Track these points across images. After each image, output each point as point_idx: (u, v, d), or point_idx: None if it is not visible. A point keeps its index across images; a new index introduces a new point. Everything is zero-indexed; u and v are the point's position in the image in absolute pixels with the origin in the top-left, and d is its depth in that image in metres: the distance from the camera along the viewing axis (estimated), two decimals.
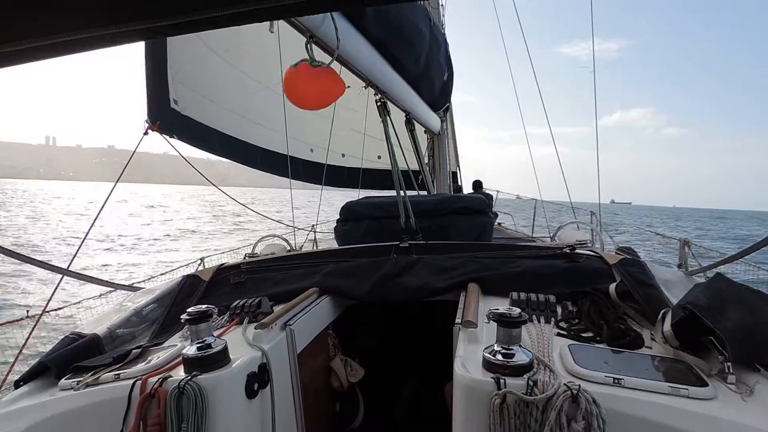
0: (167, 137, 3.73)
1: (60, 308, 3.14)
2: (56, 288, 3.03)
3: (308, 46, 2.10)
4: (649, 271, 2.19)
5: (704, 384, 1.32)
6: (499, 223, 8.69)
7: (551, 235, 4.96)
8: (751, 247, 2.28)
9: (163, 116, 3.72)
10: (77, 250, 3.28)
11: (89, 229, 3.46)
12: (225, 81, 4.88)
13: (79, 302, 3.19)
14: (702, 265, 3.11)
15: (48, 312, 2.93)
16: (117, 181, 3.50)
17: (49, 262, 3.06)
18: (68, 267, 3.00)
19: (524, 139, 7.42)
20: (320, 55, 2.21)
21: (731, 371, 1.37)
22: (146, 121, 3.57)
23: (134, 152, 3.45)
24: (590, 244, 3.16)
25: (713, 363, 1.41)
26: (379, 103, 3.15)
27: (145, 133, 3.55)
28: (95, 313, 2.92)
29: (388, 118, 3.18)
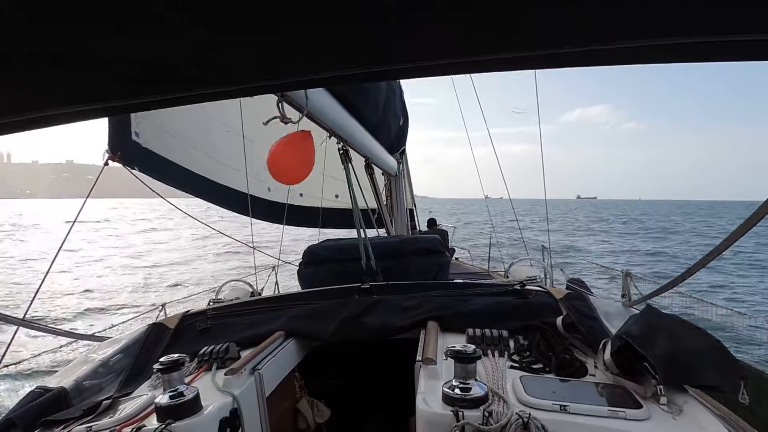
0: (128, 168, 3.75)
1: (20, 362, 2.99)
2: (11, 340, 2.86)
3: (279, 105, 2.24)
4: (592, 304, 2.36)
5: (639, 406, 1.48)
6: (456, 258, 8.93)
7: (504, 269, 5.18)
8: (680, 275, 2.43)
9: (125, 148, 3.73)
10: (33, 297, 3.12)
11: (48, 270, 3.27)
12: (186, 118, 4.92)
13: (38, 355, 3.05)
14: (642, 294, 3.32)
15: (6, 366, 2.80)
16: (80, 211, 3.38)
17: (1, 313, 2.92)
18: (23, 317, 2.88)
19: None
20: (289, 111, 2.36)
21: (663, 393, 1.52)
22: (107, 151, 3.57)
23: (95, 183, 3.41)
24: (540, 279, 3.36)
25: (648, 386, 1.57)
26: (341, 151, 3.29)
27: (106, 164, 3.54)
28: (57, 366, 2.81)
29: (350, 164, 3.34)
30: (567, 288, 3.17)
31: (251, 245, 5.84)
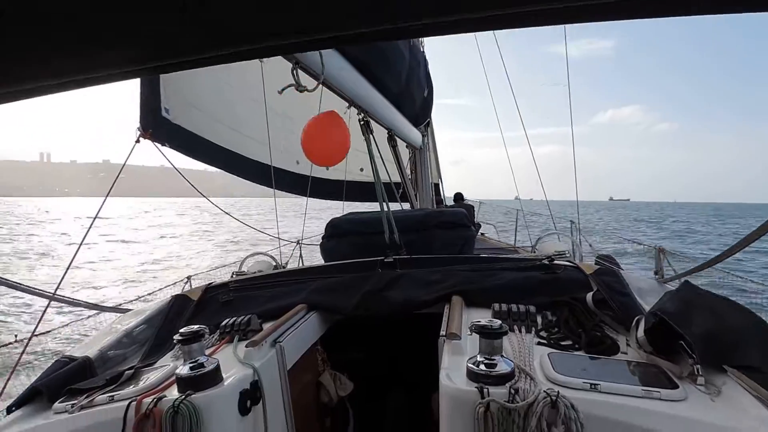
0: (158, 145, 3.77)
1: (48, 332, 3.10)
2: (44, 312, 2.97)
3: (294, 72, 2.17)
4: (624, 279, 2.27)
5: (675, 386, 1.40)
6: (482, 234, 8.82)
7: (532, 245, 5.07)
8: (718, 255, 2.38)
9: (155, 124, 3.75)
10: (64, 273, 3.22)
11: (77, 251, 3.41)
12: (214, 92, 4.94)
13: (67, 325, 3.15)
14: (677, 272, 3.21)
15: (37, 336, 2.90)
16: (106, 196, 3.46)
17: (35, 288, 3.03)
18: (55, 291, 2.97)
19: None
20: (306, 79, 2.29)
21: (700, 373, 1.44)
22: (138, 128, 3.60)
23: (127, 159, 3.46)
24: (569, 254, 3.26)
25: (684, 366, 1.49)
26: (362, 122, 3.22)
27: (137, 141, 3.57)
28: (85, 336, 2.89)
29: (371, 136, 3.26)
30: (596, 264, 3.06)
31: (276, 236, 5.89)
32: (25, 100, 0.58)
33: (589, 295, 2.13)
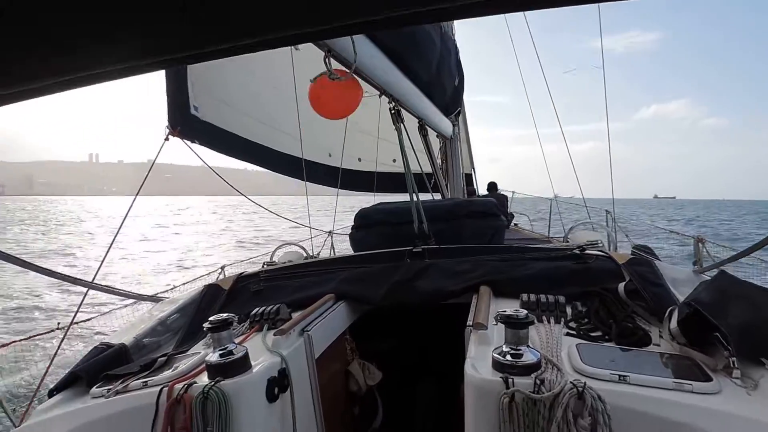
0: (188, 142, 3.84)
1: (88, 320, 3.22)
2: (82, 300, 3.12)
3: (326, 60, 2.17)
4: (658, 269, 2.21)
5: (709, 379, 1.36)
6: (515, 224, 8.71)
7: (564, 235, 4.97)
8: (756, 244, 2.30)
9: (184, 122, 3.82)
10: (101, 263, 3.35)
11: (112, 242, 3.52)
12: (243, 87, 4.98)
13: (105, 314, 3.27)
14: (715, 262, 3.09)
15: (76, 323, 3.01)
16: (137, 193, 3.56)
17: (74, 276, 3.14)
18: (93, 280, 3.08)
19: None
20: (338, 68, 2.29)
21: (736, 366, 1.39)
22: (167, 127, 3.68)
23: (156, 157, 3.56)
24: (601, 244, 3.18)
25: (719, 358, 1.44)
26: (393, 111, 3.20)
27: (166, 139, 3.64)
28: (121, 324, 3.00)
29: (401, 125, 3.25)
30: (632, 254, 2.98)
31: (308, 225, 5.95)
32: (28, 100, 0.58)
33: (621, 285, 2.08)
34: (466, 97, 6.68)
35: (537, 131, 8.34)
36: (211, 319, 1.66)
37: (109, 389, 1.68)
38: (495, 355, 1.45)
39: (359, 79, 2.57)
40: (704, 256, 3.46)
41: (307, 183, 5.83)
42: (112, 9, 0.45)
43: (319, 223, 6.37)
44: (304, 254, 4.42)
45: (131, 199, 3.44)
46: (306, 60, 4.34)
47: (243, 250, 23.48)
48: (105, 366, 1.86)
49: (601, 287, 2.13)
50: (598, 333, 1.78)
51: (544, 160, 8.39)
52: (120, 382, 1.72)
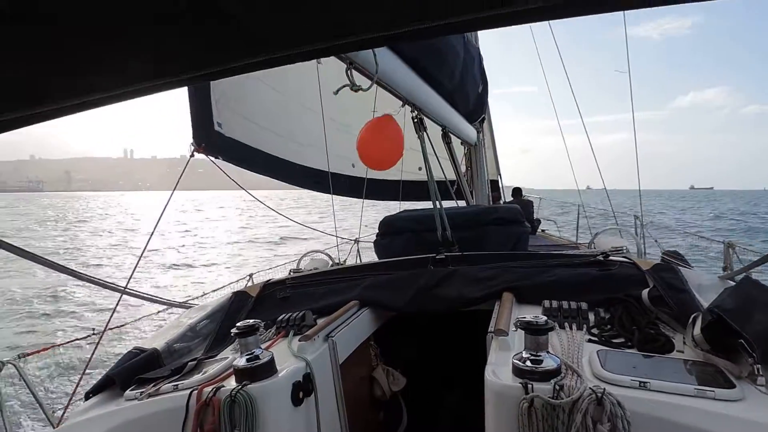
0: (212, 158, 3.95)
1: (122, 325, 3.33)
2: (116, 306, 3.19)
3: (348, 72, 2.23)
4: (683, 276, 2.19)
5: (732, 386, 1.34)
6: (543, 230, 8.61)
7: (590, 240, 4.92)
8: None
9: (208, 138, 3.92)
10: (134, 269, 3.43)
11: (146, 244, 3.60)
12: (266, 103, 5.07)
13: (137, 320, 3.37)
14: (743, 266, 3.02)
15: (111, 329, 3.12)
16: (171, 196, 3.66)
17: (106, 281, 3.21)
18: (126, 285, 3.16)
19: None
20: (360, 79, 2.35)
21: (761, 373, 1.37)
22: (192, 144, 3.79)
23: (183, 172, 3.66)
24: (626, 251, 3.14)
25: (743, 366, 1.42)
26: (415, 120, 3.24)
27: (191, 155, 3.77)
28: (152, 330, 3.09)
29: (424, 133, 3.28)
30: (662, 260, 2.93)
31: (334, 234, 6.02)
32: (70, 114, 0.60)
33: (645, 292, 2.07)
34: (497, 90, 6.62)
35: (558, 122, 8.23)
36: (238, 324, 1.72)
37: (142, 392, 1.74)
38: (515, 361, 1.46)
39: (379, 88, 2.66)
40: (734, 261, 3.37)
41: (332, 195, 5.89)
42: (135, 27, 0.46)
43: (342, 223, 6.42)
44: (330, 261, 4.48)
45: (165, 194, 3.50)
46: (327, 71, 4.42)
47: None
48: (138, 370, 1.93)
49: (624, 294, 2.12)
50: (621, 339, 1.78)
51: (566, 152, 8.20)
52: (152, 385, 1.79)
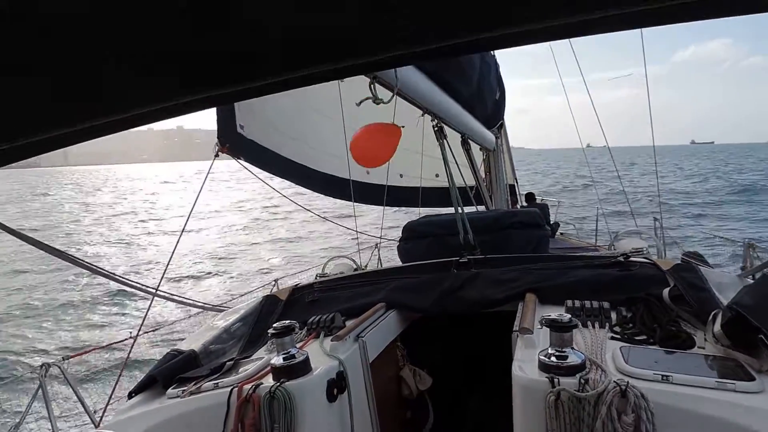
0: (236, 159, 4.11)
1: (156, 329, 3.45)
2: (148, 309, 3.30)
3: (371, 86, 2.33)
4: (703, 275, 2.23)
5: (752, 379, 1.40)
6: (561, 233, 8.60)
7: (610, 242, 4.94)
8: None
9: (232, 139, 4.06)
10: (164, 271, 3.55)
11: (176, 244, 3.67)
12: (286, 108, 5.19)
13: (173, 323, 3.49)
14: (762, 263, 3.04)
15: (146, 333, 3.24)
16: (197, 197, 3.78)
17: (140, 283, 3.32)
18: (157, 288, 3.29)
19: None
20: (381, 92, 2.44)
21: None
22: (216, 144, 3.94)
23: (208, 173, 3.80)
24: (647, 252, 3.17)
25: (763, 360, 1.47)
26: (436, 128, 3.32)
27: (216, 155, 3.92)
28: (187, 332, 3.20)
29: (445, 141, 3.36)
30: (682, 261, 2.97)
31: (355, 230, 6.11)
32: (98, 138, 0.60)
33: (666, 291, 2.11)
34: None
35: (561, 80, 8.12)
36: (275, 325, 1.83)
37: (184, 390, 1.86)
38: (541, 357, 1.54)
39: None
40: (754, 260, 3.38)
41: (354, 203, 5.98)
42: (160, 51, 0.46)
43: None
44: (353, 266, 4.57)
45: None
46: (347, 80, 4.52)
47: None
48: (178, 370, 2.05)
49: (645, 293, 2.16)
50: (643, 337, 1.83)
51: (570, 110, 8.09)
52: (193, 383, 1.90)
